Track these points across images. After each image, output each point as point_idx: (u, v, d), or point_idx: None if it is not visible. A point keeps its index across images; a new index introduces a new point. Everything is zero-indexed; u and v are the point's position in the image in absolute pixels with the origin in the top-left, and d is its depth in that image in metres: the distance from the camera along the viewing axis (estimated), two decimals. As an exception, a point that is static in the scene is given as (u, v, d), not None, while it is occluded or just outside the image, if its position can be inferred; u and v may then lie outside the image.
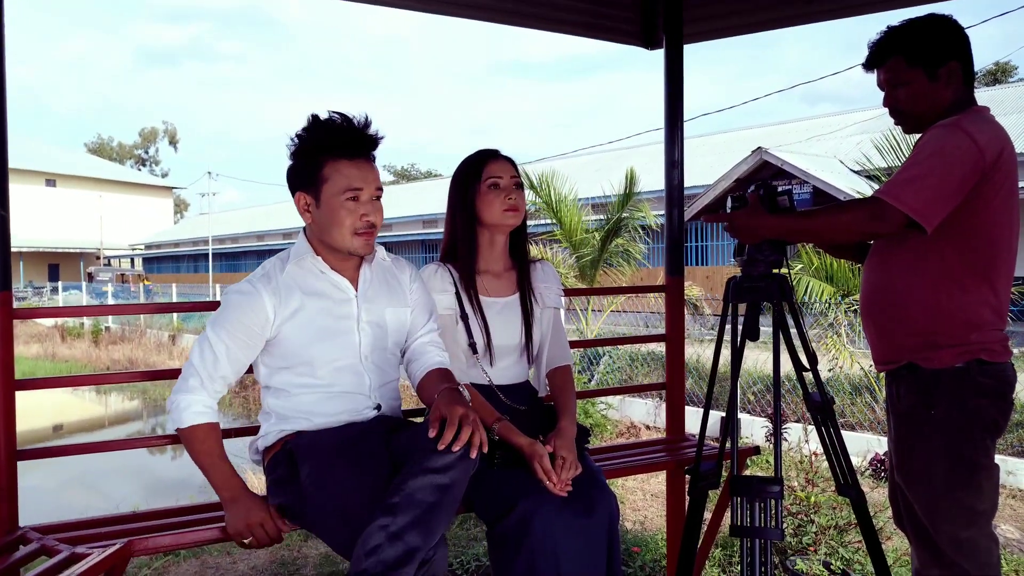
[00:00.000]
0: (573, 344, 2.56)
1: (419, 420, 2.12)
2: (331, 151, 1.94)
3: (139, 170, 65.51)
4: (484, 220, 2.23)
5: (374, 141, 1.98)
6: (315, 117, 1.97)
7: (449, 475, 1.70)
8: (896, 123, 2.14)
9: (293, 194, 2.02)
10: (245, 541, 1.91)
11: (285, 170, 2.03)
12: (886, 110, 2.15)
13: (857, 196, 10.75)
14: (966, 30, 2.04)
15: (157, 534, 1.97)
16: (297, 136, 1.98)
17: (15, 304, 2.12)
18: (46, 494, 6.65)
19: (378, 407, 2.07)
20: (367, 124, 1.97)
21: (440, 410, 1.78)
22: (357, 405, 2.04)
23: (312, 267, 2.03)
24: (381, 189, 2.01)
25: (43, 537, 1.94)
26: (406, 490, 1.69)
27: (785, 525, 3.78)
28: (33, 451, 2.14)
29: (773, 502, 1.93)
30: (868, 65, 2.13)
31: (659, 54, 3.21)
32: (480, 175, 2.21)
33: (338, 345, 2.01)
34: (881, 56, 2.08)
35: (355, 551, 1.69)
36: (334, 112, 1.96)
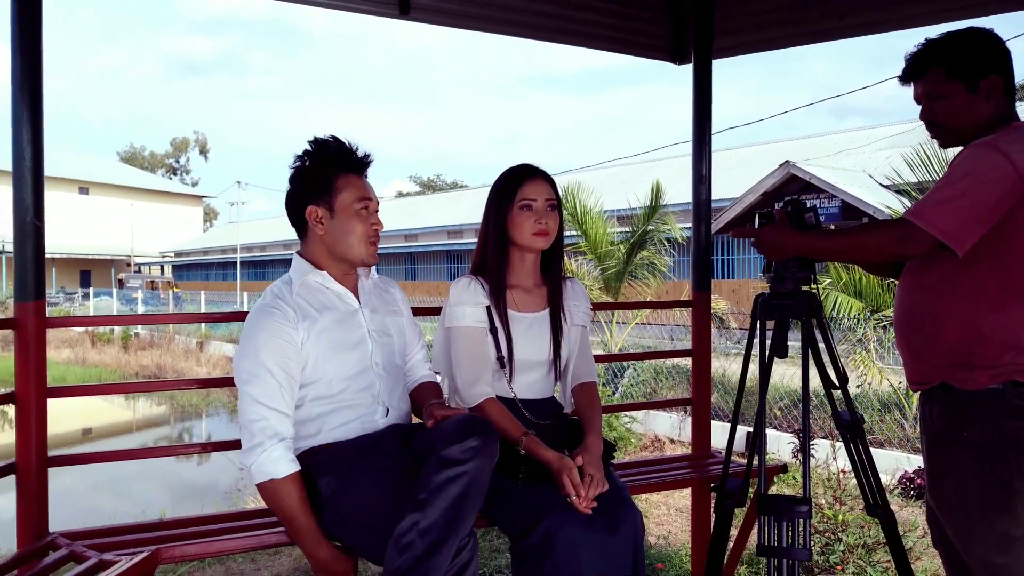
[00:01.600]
0: (598, 359, 2.55)
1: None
2: (341, 166, 2.08)
3: (170, 179, 66.49)
4: (514, 240, 2.23)
5: (370, 161, 2.14)
6: (319, 139, 2.09)
7: (472, 464, 1.74)
8: (932, 136, 2.09)
9: (301, 210, 2.07)
10: None
11: (285, 198, 2.12)
12: (917, 125, 2.11)
13: (887, 211, 10.65)
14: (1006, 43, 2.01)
15: (184, 542, 1.99)
16: (306, 155, 2.08)
17: (48, 310, 2.15)
18: (75, 497, 6.74)
19: (387, 412, 2.10)
20: (358, 148, 2.12)
21: (439, 411, 1.88)
22: (367, 412, 2.06)
23: (316, 284, 2.08)
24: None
25: (72, 543, 1.96)
26: (431, 484, 1.72)
27: (812, 543, 3.74)
28: (64, 458, 2.18)
29: (801, 522, 1.91)
30: (905, 77, 2.09)
31: (687, 68, 3.21)
32: (514, 195, 2.20)
33: (353, 357, 2.06)
34: (919, 68, 2.03)
35: (388, 550, 1.72)
36: (330, 135, 2.10)
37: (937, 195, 1.87)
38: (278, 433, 1.88)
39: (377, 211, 2.12)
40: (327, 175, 2.05)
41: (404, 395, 2.20)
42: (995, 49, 1.97)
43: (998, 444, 1.90)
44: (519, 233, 2.20)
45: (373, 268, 2.23)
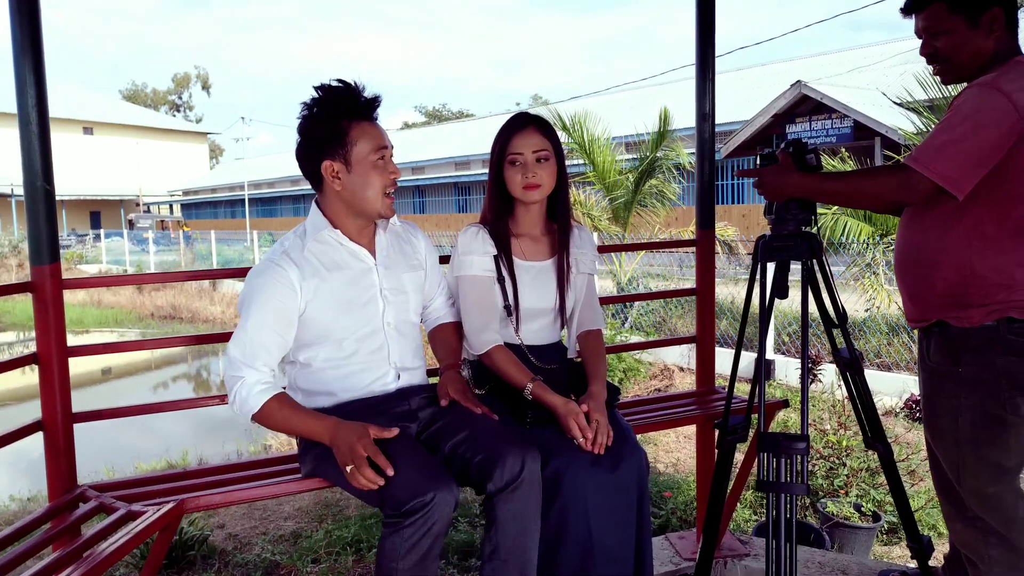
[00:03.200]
0: (604, 301, 2.59)
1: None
2: (353, 114, 1.99)
3: (173, 116, 65.84)
4: (511, 193, 2.25)
5: (379, 103, 2.04)
6: (326, 84, 2.00)
7: (430, 538, 1.75)
8: (935, 73, 2.08)
9: (315, 166, 2.01)
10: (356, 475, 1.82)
11: (295, 149, 2.04)
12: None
13: (898, 133, 10.44)
14: None
15: (208, 492, 2.06)
16: (314, 103, 1.99)
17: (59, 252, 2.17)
18: (100, 433, 6.93)
19: (398, 376, 2.11)
20: (365, 88, 2.02)
21: (454, 392, 2.06)
22: (378, 375, 2.08)
23: (331, 240, 2.04)
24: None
25: (101, 495, 2.04)
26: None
27: (816, 468, 3.83)
28: (88, 414, 2.23)
29: (799, 458, 1.97)
30: (907, 10, 2.07)
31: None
32: (505, 150, 2.21)
33: (362, 317, 2.05)
34: (921, 1, 2.01)
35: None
36: (336, 79, 2.01)
37: (937, 139, 1.86)
38: (242, 378, 1.91)
39: (392, 157, 2.06)
40: (339, 125, 1.97)
41: (418, 352, 2.20)
42: None
43: (991, 379, 1.95)
44: (512, 187, 2.22)
45: (395, 216, 2.16)
